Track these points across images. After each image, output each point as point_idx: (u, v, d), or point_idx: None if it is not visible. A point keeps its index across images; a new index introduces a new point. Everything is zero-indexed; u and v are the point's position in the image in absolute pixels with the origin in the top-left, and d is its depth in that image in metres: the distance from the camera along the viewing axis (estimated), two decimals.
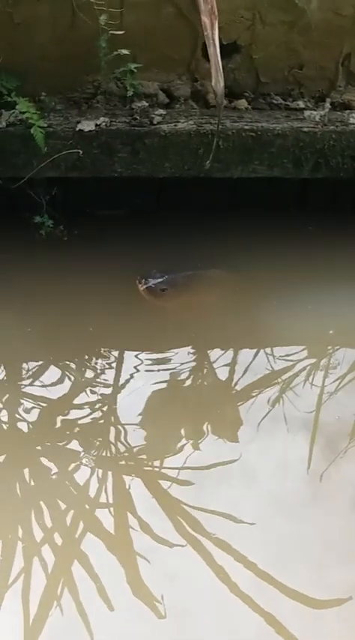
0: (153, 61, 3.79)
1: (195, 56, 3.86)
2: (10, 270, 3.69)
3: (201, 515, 2.80)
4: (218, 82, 3.49)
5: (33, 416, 3.14)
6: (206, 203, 3.98)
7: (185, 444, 3.06)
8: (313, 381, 3.40)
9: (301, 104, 3.94)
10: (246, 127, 3.75)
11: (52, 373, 3.32)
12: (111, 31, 3.52)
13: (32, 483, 2.90)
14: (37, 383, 3.27)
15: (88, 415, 3.15)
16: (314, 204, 4.16)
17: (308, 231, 4.08)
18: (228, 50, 3.78)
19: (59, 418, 3.12)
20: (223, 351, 3.52)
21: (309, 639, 2.49)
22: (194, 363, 3.46)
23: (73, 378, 3.31)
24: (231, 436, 3.12)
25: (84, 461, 2.96)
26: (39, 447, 3.02)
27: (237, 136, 3.73)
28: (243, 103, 3.88)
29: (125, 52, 3.56)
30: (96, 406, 3.19)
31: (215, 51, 3.47)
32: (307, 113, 3.87)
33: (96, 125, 3.65)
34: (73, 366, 3.38)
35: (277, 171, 3.84)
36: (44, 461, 2.96)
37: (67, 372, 3.33)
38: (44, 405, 3.19)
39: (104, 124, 3.65)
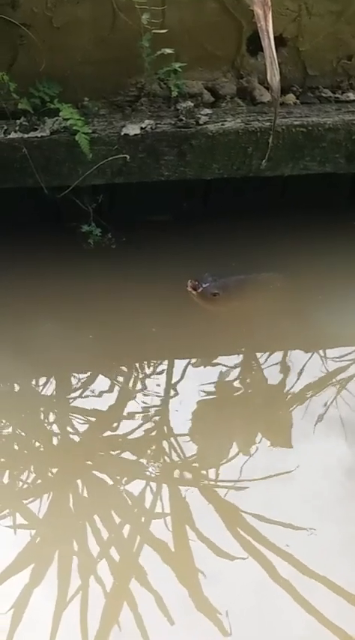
0: (196, 59, 3.70)
1: (240, 52, 3.76)
2: (61, 281, 3.62)
3: (259, 524, 2.69)
4: (273, 75, 3.33)
5: (84, 427, 3.07)
6: (253, 204, 3.85)
7: (239, 452, 2.95)
8: None
9: (352, 96, 3.82)
10: (296, 123, 3.63)
11: (103, 382, 3.25)
12: (153, 30, 3.43)
13: (86, 496, 2.82)
14: (88, 392, 3.20)
15: (140, 425, 3.06)
16: None
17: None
18: (274, 44, 3.62)
19: (110, 428, 3.05)
20: (276, 355, 3.42)
21: None
22: (247, 368, 3.36)
23: (123, 387, 3.24)
24: (285, 442, 3.02)
25: (137, 472, 2.86)
26: (91, 459, 2.94)
27: (286, 133, 3.61)
28: (290, 98, 3.77)
29: (169, 51, 3.45)
30: (148, 415, 3.11)
31: (269, 43, 3.31)
32: None
33: (142, 128, 3.56)
34: (124, 374, 3.31)
35: (329, 166, 3.71)
36: (97, 473, 2.87)
37: (118, 381, 3.26)
38: (95, 415, 3.11)
39: (149, 126, 3.57)
